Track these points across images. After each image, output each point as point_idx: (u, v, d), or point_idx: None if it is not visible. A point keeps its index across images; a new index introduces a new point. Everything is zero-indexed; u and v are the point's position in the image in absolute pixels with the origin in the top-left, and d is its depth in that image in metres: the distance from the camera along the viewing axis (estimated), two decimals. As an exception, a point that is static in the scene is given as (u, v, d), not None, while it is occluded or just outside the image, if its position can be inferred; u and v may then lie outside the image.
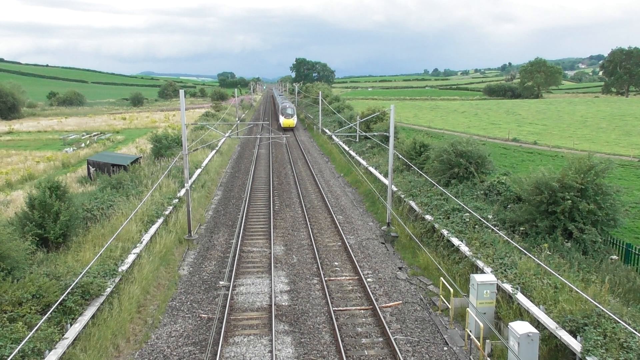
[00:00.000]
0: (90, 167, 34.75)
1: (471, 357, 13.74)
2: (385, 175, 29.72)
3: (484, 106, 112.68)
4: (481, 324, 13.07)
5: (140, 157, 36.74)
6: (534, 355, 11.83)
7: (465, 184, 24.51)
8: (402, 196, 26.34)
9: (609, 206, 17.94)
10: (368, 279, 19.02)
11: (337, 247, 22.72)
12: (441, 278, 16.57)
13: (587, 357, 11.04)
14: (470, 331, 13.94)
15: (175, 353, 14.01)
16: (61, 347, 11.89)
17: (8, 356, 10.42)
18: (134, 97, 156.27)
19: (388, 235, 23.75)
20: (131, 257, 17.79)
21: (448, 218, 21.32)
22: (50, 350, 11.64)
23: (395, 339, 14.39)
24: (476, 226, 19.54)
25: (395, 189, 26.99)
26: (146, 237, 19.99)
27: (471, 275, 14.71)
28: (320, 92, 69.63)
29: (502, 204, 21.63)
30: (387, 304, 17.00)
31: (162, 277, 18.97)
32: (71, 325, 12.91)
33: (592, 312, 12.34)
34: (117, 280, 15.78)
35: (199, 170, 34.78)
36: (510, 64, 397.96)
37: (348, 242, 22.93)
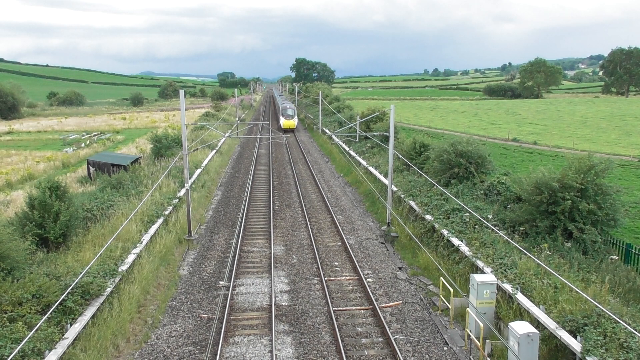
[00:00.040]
0: (90, 167, 34.75)
1: (471, 357, 13.74)
2: (385, 175, 29.72)
3: (484, 106, 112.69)
4: (481, 324, 13.07)
5: (140, 157, 36.73)
6: (534, 355, 11.82)
7: (465, 184, 24.51)
8: (402, 196, 26.34)
9: (609, 206, 17.95)
10: (368, 279, 19.02)
11: (337, 247, 22.72)
12: (441, 278, 16.57)
13: (587, 357, 11.04)
14: (470, 331, 13.94)
15: (175, 353, 14.01)
16: (61, 347, 11.89)
17: (8, 356, 10.42)
18: (134, 97, 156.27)
19: (388, 235, 23.75)
20: (131, 257, 17.79)
21: (448, 218, 21.32)
22: (50, 350, 11.64)
23: (395, 339, 14.39)
24: (476, 226, 19.54)
25: (395, 189, 26.99)
26: (146, 237, 19.99)
27: (471, 275, 14.71)
28: (320, 92, 69.62)
29: (502, 204, 21.63)
30: (387, 304, 17.00)
31: (162, 277, 18.98)
32: (71, 325, 12.91)
33: (592, 312, 12.34)
34: (117, 280, 15.78)
35: (199, 170, 34.79)
36: (510, 64, 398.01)
37: (348, 242, 22.93)
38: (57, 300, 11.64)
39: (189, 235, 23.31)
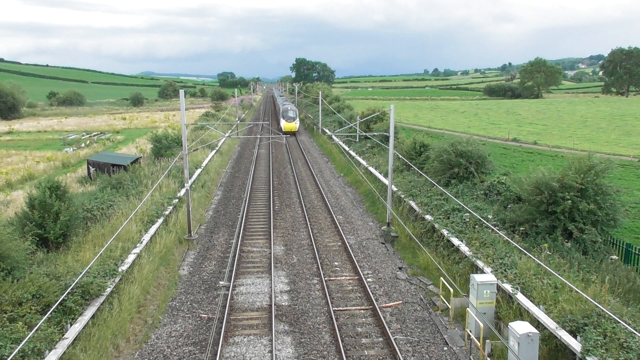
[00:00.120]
0: (90, 167, 34.75)
1: (471, 357, 13.74)
2: (385, 175, 29.72)
3: (484, 106, 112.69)
4: (481, 324, 13.07)
5: (140, 157, 36.73)
6: (534, 355, 11.83)
7: (465, 184, 24.51)
8: (402, 196, 26.34)
9: (609, 206, 17.94)
10: (368, 279, 19.02)
11: (337, 247, 22.72)
12: (441, 278, 16.57)
13: (587, 357, 11.04)
14: (470, 331, 13.94)
15: (175, 353, 14.01)
16: (61, 347, 11.89)
17: (8, 356, 10.42)
18: (134, 97, 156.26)
19: (388, 235, 23.75)
20: (131, 257, 17.79)
21: (448, 218, 21.32)
22: (50, 350, 11.64)
23: (395, 339, 14.39)
24: (476, 226, 19.54)
25: (395, 189, 26.99)
26: (146, 237, 19.99)
27: (471, 275, 14.71)
28: (320, 92, 69.54)
29: (502, 204, 21.63)
30: (387, 304, 17.00)
31: (162, 277, 18.98)
32: (71, 325, 12.91)
33: (592, 312, 12.34)
34: (117, 280, 15.77)
35: (199, 170, 34.79)
36: (510, 64, 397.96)
37: (348, 242, 22.94)
38: (57, 300, 11.64)
39: (189, 235, 23.31)
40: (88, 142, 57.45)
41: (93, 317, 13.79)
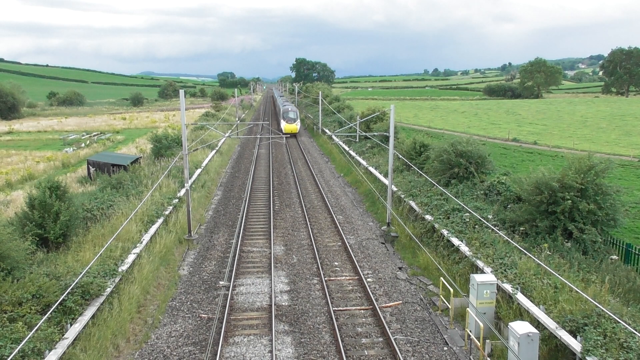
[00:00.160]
0: (90, 167, 34.75)
1: (471, 357, 13.74)
2: (385, 175, 29.72)
3: (484, 106, 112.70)
4: (481, 324, 13.07)
5: (140, 157, 36.73)
6: (534, 355, 11.83)
7: (465, 184, 24.51)
8: (402, 196, 26.34)
9: (609, 206, 17.94)
10: (368, 279, 19.02)
11: (337, 247, 22.72)
12: (441, 278, 16.57)
13: (587, 357, 11.04)
14: (470, 331, 13.94)
15: (175, 353, 14.01)
16: (61, 347, 11.89)
17: (8, 356, 10.42)
18: (134, 97, 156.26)
19: (388, 235, 23.75)
20: (131, 257, 17.79)
21: (448, 218, 21.32)
22: (50, 350, 11.64)
23: (395, 339, 14.39)
24: (476, 226, 19.54)
25: (395, 189, 27.00)
26: (146, 237, 19.99)
27: (471, 275, 14.71)
28: (320, 92, 69.47)
29: (502, 204, 21.63)
30: (387, 304, 17.00)
31: (162, 277, 18.98)
32: (71, 325, 12.91)
33: (592, 312, 12.34)
34: (117, 280, 15.77)
35: (199, 170, 34.79)
36: (510, 64, 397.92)
37: (348, 242, 22.94)
38: (57, 300, 11.64)
39: (189, 235, 23.31)
40: (88, 142, 57.46)
41: (93, 317, 13.79)
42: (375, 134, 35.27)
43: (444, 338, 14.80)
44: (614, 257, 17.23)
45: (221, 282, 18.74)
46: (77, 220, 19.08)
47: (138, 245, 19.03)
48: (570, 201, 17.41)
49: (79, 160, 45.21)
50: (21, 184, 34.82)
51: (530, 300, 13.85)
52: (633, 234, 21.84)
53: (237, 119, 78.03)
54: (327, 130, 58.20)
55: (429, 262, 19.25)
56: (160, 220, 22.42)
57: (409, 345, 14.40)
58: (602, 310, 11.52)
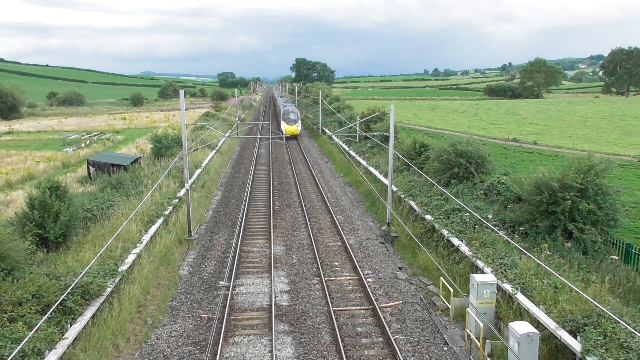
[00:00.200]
0: (90, 167, 34.76)
1: (471, 357, 13.74)
2: (385, 175, 29.72)
3: (484, 106, 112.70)
4: (481, 324, 13.07)
5: (140, 157, 36.73)
6: (534, 355, 11.83)
7: (465, 184, 24.51)
8: (402, 196, 26.34)
9: (609, 206, 17.95)
10: (368, 279, 19.02)
11: (337, 247, 22.72)
12: (441, 278, 16.57)
13: (587, 357, 11.04)
14: (470, 331, 13.94)
15: (175, 353, 14.01)
16: (61, 347, 11.89)
17: (8, 356, 10.42)
18: (134, 97, 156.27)
19: (388, 235, 23.75)
20: (131, 257, 17.78)
21: (448, 218, 21.32)
22: (50, 350, 11.64)
23: (395, 339, 14.39)
24: (476, 226, 19.54)
25: (395, 189, 26.99)
26: (146, 237, 19.99)
27: (471, 275, 14.71)
28: (320, 92, 69.43)
29: (502, 204, 21.63)
30: (387, 304, 17.00)
31: (162, 277, 18.97)
32: (71, 325, 12.91)
33: (592, 312, 12.34)
34: (117, 280, 15.77)
35: (199, 170, 34.79)
36: (510, 64, 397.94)
37: (348, 242, 22.94)
38: (57, 300, 11.63)
39: (189, 235, 23.31)
40: (88, 142, 57.46)
41: (93, 317, 13.80)
42: (375, 134, 35.27)
43: (444, 338, 14.80)
44: (614, 257, 17.23)
45: (221, 282, 18.74)
46: (77, 220, 19.08)
47: (138, 245, 19.03)
48: (570, 201, 17.41)
49: (79, 160, 45.21)
50: (21, 184, 34.83)
51: (530, 300, 13.85)
52: (633, 234, 21.84)
53: (237, 119, 78.02)
54: (327, 130, 58.18)
55: (429, 262, 19.25)
56: (160, 220, 22.42)
57: (409, 345, 14.40)
58: (602, 310, 11.52)
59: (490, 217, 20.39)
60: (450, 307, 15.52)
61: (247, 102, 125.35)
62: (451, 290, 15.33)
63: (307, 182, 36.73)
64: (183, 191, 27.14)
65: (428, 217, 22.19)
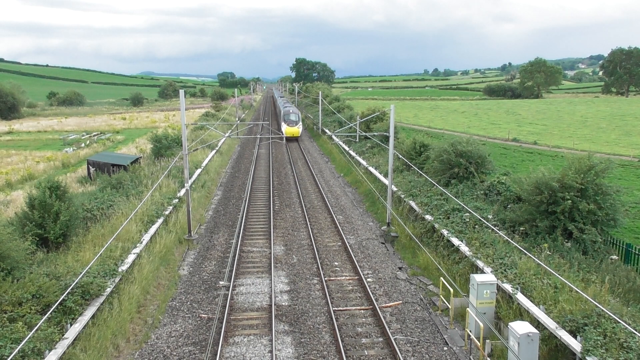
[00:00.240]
0: (90, 167, 34.76)
1: (471, 357, 13.74)
2: (385, 175, 29.72)
3: (484, 106, 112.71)
4: (481, 324, 13.07)
5: (140, 157, 36.74)
6: (534, 355, 11.82)
7: (465, 184, 24.51)
8: (402, 196, 26.34)
9: (609, 206, 17.94)
10: (368, 279, 19.02)
11: (337, 247, 22.72)
12: (441, 278, 16.57)
13: (587, 357, 11.04)
14: (470, 331, 13.94)
15: (175, 353, 14.01)
16: (61, 347, 11.89)
17: (8, 356, 10.42)
18: (134, 97, 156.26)
19: (388, 235, 23.75)
20: (131, 257, 17.78)
21: (448, 218, 21.32)
22: (50, 350, 11.64)
23: (395, 339, 14.39)
24: (476, 226, 19.54)
25: (395, 189, 26.99)
26: (146, 237, 19.99)
27: (471, 275, 14.71)
28: (320, 92, 69.41)
29: (502, 204, 21.63)
30: (387, 304, 17.00)
31: (162, 277, 18.97)
32: (71, 325, 12.91)
33: (592, 312, 12.34)
34: (117, 280, 15.77)
35: (199, 170, 34.79)
36: (510, 64, 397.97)
37: (348, 242, 22.93)
38: (57, 300, 11.64)
39: (189, 235, 23.31)
40: (88, 142, 57.46)
41: (93, 317, 13.79)
42: (375, 134, 35.28)
43: (444, 338, 14.80)
44: (614, 257, 17.23)
45: (221, 282, 18.74)
46: (77, 220, 19.08)
47: (138, 245, 19.03)
48: (570, 201, 17.41)
49: (79, 160, 45.21)
50: (21, 184, 34.82)
51: (530, 300, 13.85)
52: (633, 234, 21.84)
53: (237, 119, 78.01)
54: (327, 130, 58.17)
55: (429, 262, 19.25)
56: (160, 220, 22.42)
57: (409, 345, 14.40)
58: (602, 310, 11.52)
59: (490, 217, 20.39)
60: (450, 307, 15.52)
61: (247, 102, 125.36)
62: (451, 290, 15.33)
63: (307, 182, 36.73)
64: (183, 191, 27.14)
65: (428, 217, 22.19)
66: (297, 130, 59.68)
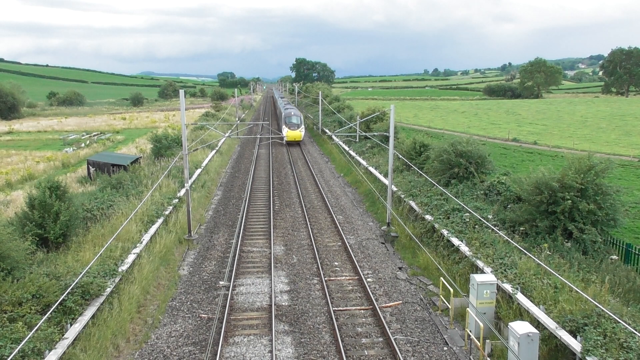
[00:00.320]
0: (90, 167, 34.75)
1: (471, 357, 13.74)
2: (385, 175, 29.72)
3: (484, 106, 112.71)
4: (481, 324, 13.07)
5: (140, 157, 36.73)
6: (534, 355, 11.82)
7: (465, 184, 24.51)
8: (402, 196, 26.34)
9: (609, 206, 17.95)
10: (368, 279, 19.02)
11: (337, 247, 22.72)
12: (441, 278, 16.57)
13: (587, 357, 11.04)
14: (470, 331, 13.94)
15: (175, 353, 14.01)
16: (61, 347, 11.88)
17: (8, 356, 10.42)
18: (134, 97, 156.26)
19: (388, 235, 23.75)
20: (131, 257, 17.78)
21: (448, 218, 21.32)
22: (50, 350, 11.63)
23: (395, 339, 14.39)
24: (476, 226, 19.54)
25: (395, 189, 26.99)
26: (146, 237, 19.99)
27: (471, 275, 14.71)
28: (320, 92, 69.38)
29: (502, 204, 21.63)
30: (387, 304, 17.00)
31: (162, 277, 18.98)
32: (71, 325, 12.91)
33: (592, 312, 12.34)
34: (117, 280, 15.77)
35: (199, 170, 34.79)
36: (510, 64, 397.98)
37: (348, 242, 22.93)
38: (57, 300, 11.63)
39: (189, 235, 23.31)
40: (88, 142, 57.45)
41: (93, 317, 13.79)
42: (375, 134, 35.28)
43: (444, 338, 14.80)
44: (614, 257, 17.24)
45: (221, 282, 18.74)
46: (77, 220, 19.08)
47: (138, 245, 19.03)
48: (570, 201, 17.41)
49: (79, 160, 45.21)
50: (21, 184, 34.82)
51: (530, 300, 13.85)
52: (633, 234, 21.84)
53: (237, 119, 78.02)
54: (327, 130, 58.14)
55: (429, 262, 19.25)
56: (160, 220, 22.42)
57: (409, 345, 14.40)
58: (602, 310, 11.52)
59: (490, 217, 20.39)
60: (450, 307, 15.52)
61: (247, 102, 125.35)
62: (451, 290, 15.33)
63: (307, 182, 36.73)
64: (183, 191, 27.14)
65: (428, 217, 22.19)
66: (299, 134, 55.80)
